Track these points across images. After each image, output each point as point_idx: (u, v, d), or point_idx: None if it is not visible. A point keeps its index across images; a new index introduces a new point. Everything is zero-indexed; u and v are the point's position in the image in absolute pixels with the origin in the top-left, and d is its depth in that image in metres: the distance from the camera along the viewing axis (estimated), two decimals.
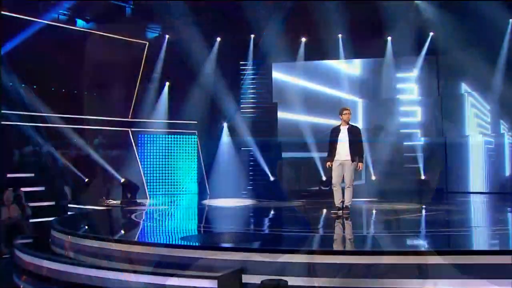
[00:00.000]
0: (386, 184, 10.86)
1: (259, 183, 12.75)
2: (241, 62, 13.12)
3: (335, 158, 6.31)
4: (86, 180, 9.38)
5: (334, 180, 6.39)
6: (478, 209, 8.49)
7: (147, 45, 12.02)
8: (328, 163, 6.38)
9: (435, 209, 7.68)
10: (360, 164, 6.20)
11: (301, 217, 7.14)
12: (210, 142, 12.83)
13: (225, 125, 13.22)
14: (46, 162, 9.36)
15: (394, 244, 4.47)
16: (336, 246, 4.55)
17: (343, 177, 6.28)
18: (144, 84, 11.93)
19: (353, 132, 6.32)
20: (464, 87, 12.13)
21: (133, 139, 11.53)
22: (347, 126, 6.36)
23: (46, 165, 9.33)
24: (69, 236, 4.90)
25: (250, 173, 12.95)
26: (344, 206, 6.29)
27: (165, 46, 12.43)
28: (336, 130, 6.43)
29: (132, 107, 11.65)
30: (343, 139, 6.29)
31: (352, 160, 6.20)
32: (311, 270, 3.50)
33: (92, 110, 11.04)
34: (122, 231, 5.88)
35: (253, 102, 13.13)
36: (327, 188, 11.11)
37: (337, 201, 6.36)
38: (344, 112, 6.41)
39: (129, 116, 11.65)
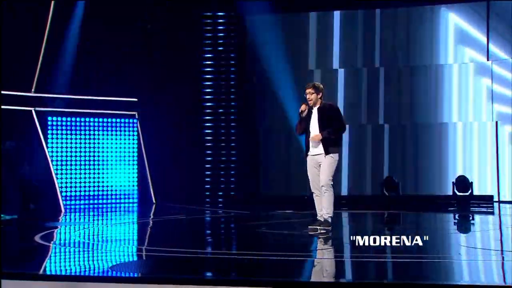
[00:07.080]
0: None
1: (226, 186, 12.83)
2: (202, 14, 13.14)
3: (308, 153, 6.46)
4: None
5: (311, 184, 6.57)
6: None
7: None
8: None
9: None
10: (321, 133, 6.24)
11: (282, 236, 7.25)
12: (156, 128, 12.70)
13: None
14: None
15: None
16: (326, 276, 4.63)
17: None
18: (54, 43, 11.68)
19: (325, 114, 6.36)
20: None
21: (39, 123, 11.44)
22: (318, 107, 6.48)
23: None
24: None
25: (214, 172, 12.98)
26: (323, 219, 6.45)
27: None
28: (307, 114, 6.57)
29: (36, 76, 11.50)
30: (313, 124, 6.40)
31: (327, 152, 6.24)
32: None
33: None
34: (21, 261, 5.68)
35: (219, 71, 13.18)
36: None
37: (318, 211, 6.54)
38: (305, 91, 6.49)
39: (32, 90, 11.45)
